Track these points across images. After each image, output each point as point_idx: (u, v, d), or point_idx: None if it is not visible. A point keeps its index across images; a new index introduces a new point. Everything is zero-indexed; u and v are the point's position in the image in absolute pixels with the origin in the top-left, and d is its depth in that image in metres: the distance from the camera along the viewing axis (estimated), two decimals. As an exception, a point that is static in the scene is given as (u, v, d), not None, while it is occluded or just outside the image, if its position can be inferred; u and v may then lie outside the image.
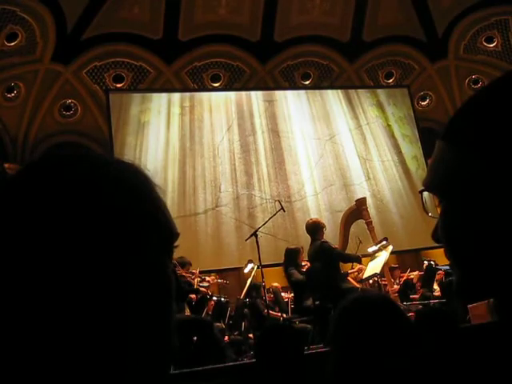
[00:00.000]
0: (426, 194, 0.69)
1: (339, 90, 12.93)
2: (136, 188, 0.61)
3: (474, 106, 0.63)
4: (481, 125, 0.60)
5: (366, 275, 7.58)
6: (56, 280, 0.54)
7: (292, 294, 8.20)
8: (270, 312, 7.99)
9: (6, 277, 0.54)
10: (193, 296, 7.10)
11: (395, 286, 8.94)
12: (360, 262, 7.31)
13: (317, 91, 12.85)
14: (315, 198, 11.65)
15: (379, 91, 13.23)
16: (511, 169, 0.58)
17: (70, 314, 0.54)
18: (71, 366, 0.54)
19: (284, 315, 8.05)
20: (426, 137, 12.60)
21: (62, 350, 0.54)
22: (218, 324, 7.44)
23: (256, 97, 12.27)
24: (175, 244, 0.64)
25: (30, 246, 0.54)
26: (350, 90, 12.99)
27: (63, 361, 0.54)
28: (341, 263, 7.20)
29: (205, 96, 12.14)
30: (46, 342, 0.53)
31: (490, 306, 5.61)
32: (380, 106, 12.93)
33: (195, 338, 6.43)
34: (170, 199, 10.62)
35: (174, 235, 0.64)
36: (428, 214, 0.71)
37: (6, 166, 10.90)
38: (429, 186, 0.67)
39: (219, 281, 8.63)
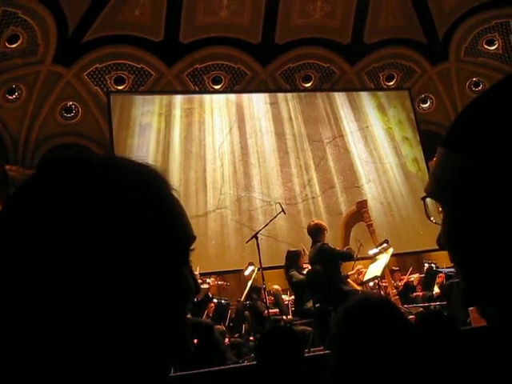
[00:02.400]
0: (428, 200, 0.69)
1: (340, 93, 12.93)
2: (153, 191, 0.61)
3: (474, 112, 0.63)
4: (482, 131, 0.60)
5: (366, 278, 7.57)
6: (73, 281, 0.54)
7: (293, 297, 8.20)
8: (271, 311, 8.00)
9: (23, 280, 0.54)
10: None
11: (397, 286, 8.94)
12: (354, 258, 7.25)
13: (318, 94, 12.86)
14: (316, 200, 11.65)
15: (380, 94, 13.24)
16: None
17: (84, 315, 0.54)
18: (86, 366, 0.54)
19: (284, 317, 8.04)
20: (427, 139, 12.59)
21: (75, 350, 0.54)
22: (219, 326, 7.43)
23: (257, 99, 12.28)
24: (191, 247, 0.65)
25: (47, 250, 0.54)
26: (351, 93, 12.99)
27: (76, 361, 0.54)
28: (342, 266, 7.18)
29: (206, 98, 12.15)
30: (60, 343, 0.54)
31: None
32: (381, 109, 12.93)
33: (195, 341, 6.43)
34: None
35: (191, 238, 0.64)
36: (431, 219, 0.71)
37: (7, 167, 10.91)
38: (431, 192, 0.67)
39: (219, 283, 8.63)
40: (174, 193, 0.64)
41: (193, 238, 0.65)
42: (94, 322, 0.54)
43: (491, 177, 0.59)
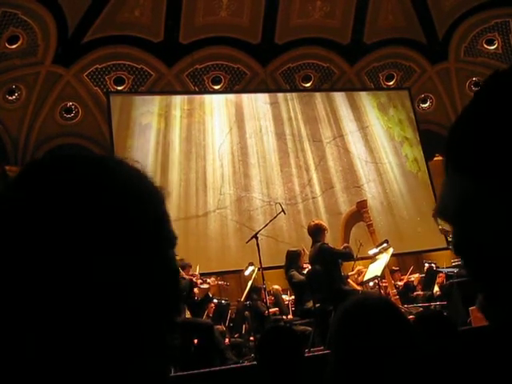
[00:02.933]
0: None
1: (340, 93, 12.94)
2: (138, 190, 0.61)
3: (467, 126, 0.63)
4: (478, 147, 0.60)
5: (366, 278, 7.58)
6: (60, 280, 0.54)
7: (293, 297, 8.20)
8: (271, 311, 8.01)
9: (14, 279, 0.54)
10: (196, 291, 7.11)
11: (397, 286, 8.95)
12: (354, 257, 7.24)
13: (317, 93, 12.86)
14: (316, 200, 11.65)
15: (380, 93, 13.24)
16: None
17: (73, 314, 0.54)
18: (76, 365, 0.54)
19: (285, 317, 8.05)
20: (427, 139, 12.60)
21: (66, 349, 0.54)
22: (219, 326, 7.44)
23: (257, 99, 12.28)
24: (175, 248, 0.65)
25: (37, 247, 0.54)
26: (351, 93, 12.99)
27: (68, 360, 0.54)
28: (342, 266, 7.17)
29: (206, 98, 12.15)
30: (51, 339, 0.54)
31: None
32: (381, 109, 12.93)
33: (196, 341, 6.44)
34: (171, 202, 10.59)
35: (175, 238, 0.64)
36: (442, 229, 0.73)
37: (7, 168, 10.91)
38: (439, 212, 0.68)
39: (220, 282, 8.63)
40: (159, 191, 0.64)
41: (175, 238, 0.64)
42: (78, 322, 0.54)
43: (493, 193, 0.59)
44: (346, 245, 7.27)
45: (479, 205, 0.61)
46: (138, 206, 0.60)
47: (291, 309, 8.57)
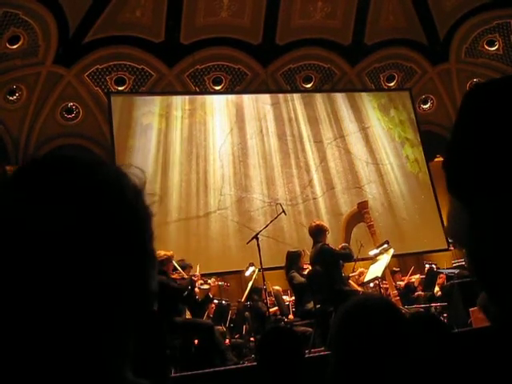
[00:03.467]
0: None
1: (341, 94, 12.93)
2: (123, 195, 0.61)
3: (470, 150, 0.63)
4: (478, 172, 0.61)
5: (367, 278, 7.58)
6: (59, 280, 0.54)
7: (293, 297, 8.20)
8: (271, 311, 8.00)
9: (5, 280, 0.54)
10: (196, 291, 7.11)
11: (398, 286, 8.94)
12: (354, 258, 7.23)
13: (318, 94, 12.86)
14: (317, 201, 11.65)
15: (381, 94, 13.23)
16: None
17: (70, 314, 0.54)
18: (76, 365, 0.54)
19: (285, 318, 8.04)
20: (428, 140, 12.60)
21: (66, 349, 0.54)
22: (219, 327, 7.43)
23: (257, 100, 12.28)
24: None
25: (37, 247, 0.54)
26: (352, 94, 12.99)
27: (68, 360, 0.54)
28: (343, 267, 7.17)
29: (206, 99, 12.15)
30: (51, 339, 0.54)
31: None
32: (381, 110, 12.93)
33: (196, 341, 6.44)
34: (171, 202, 10.64)
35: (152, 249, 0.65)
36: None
37: (8, 168, 10.92)
38: (448, 234, 0.71)
39: (220, 283, 8.63)
40: (143, 196, 0.64)
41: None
42: (69, 321, 0.54)
43: (489, 215, 0.60)
44: (344, 244, 7.27)
45: (480, 225, 0.61)
46: (131, 210, 0.59)
47: (292, 309, 8.57)
